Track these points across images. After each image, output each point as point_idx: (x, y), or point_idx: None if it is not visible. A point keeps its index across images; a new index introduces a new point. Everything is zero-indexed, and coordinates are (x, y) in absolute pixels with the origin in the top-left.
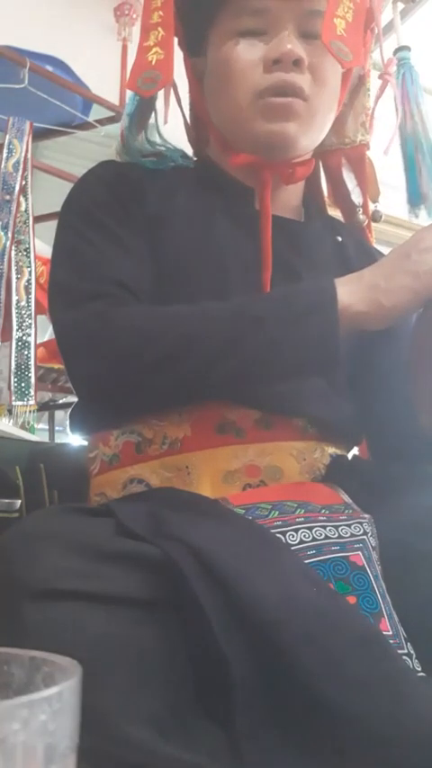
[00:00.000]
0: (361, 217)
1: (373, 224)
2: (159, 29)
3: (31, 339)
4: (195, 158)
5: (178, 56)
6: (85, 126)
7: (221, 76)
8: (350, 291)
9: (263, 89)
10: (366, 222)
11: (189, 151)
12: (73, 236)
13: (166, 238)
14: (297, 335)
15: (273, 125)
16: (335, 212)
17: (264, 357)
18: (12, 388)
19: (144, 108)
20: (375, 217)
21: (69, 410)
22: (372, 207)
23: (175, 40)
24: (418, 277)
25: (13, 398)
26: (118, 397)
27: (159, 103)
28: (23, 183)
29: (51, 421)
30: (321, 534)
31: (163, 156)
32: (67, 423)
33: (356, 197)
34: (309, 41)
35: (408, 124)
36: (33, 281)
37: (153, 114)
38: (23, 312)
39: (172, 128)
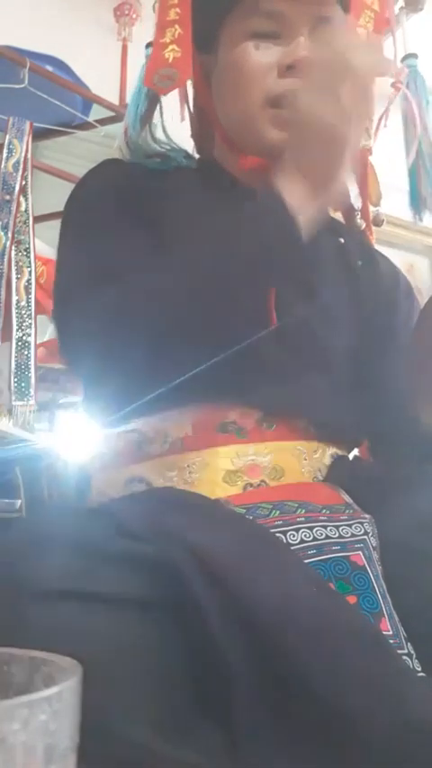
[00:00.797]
0: (360, 220)
1: (374, 227)
2: (176, 26)
3: (31, 339)
4: (198, 155)
5: None
6: (85, 126)
7: (233, 78)
8: (289, 193)
9: (275, 95)
10: (366, 225)
11: (191, 147)
12: (76, 234)
13: (169, 236)
14: (251, 230)
15: (283, 135)
16: (335, 214)
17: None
18: (12, 388)
19: (149, 105)
20: (377, 221)
21: (73, 407)
22: (373, 211)
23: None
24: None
25: (13, 398)
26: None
27: (163, 100)
28: (23, 183)
29: (51, 421)
30: (322, 534)
31: (166, 158)
32: (70, 420)
33: (357, 200)
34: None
35: (411, 131)
36: (33, 281)
37: (158, 111)
38: (23, 312)
39: (173, 124)
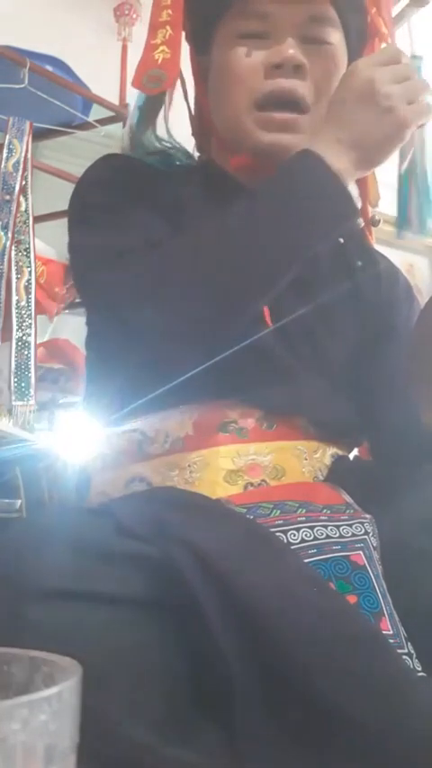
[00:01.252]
0: (359, 220)
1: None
2: (167, 27)
3: (31, 339)
4: (198, 154)
5: (185, 50)
6: (85, 126)
7: (223, 79)
8: (336, 160)
9: (263, 95)
10: (365, 225)
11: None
12: (92, 210)
13: (176, 221)
14: (310, 212)
15: (271, 137)
16: None
17: (283, 233)
18: (12, 388)
19: (152, 104)
20: (373, 221)
21: (74, 406)
22: (370, 211)
23: (183, 34)
24: (396, 115)
25: (13, 398)
26: (190, 332)
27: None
28: (23, 183)
29: (51, 421)
30: (323, 533)
31: (167, 156)
32: (71, 419)
33: (357, 201)
34: (311, 48)
35: (407, 146)
36: (33, 281)
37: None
38: (23, 312)
39: (179, 122)
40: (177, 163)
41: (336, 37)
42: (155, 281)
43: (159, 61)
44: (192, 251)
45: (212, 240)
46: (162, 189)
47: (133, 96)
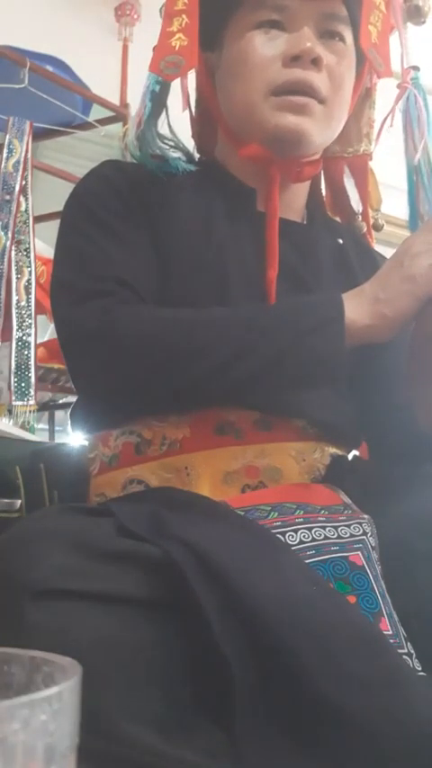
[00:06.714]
0: (360, 224)
1: (374, 231)
2: (183, 16)
3: (31, 339)
4: (198, 155)
5: None
6: (85, 126)
7: (238, 68)
8: (354, 307)
9: (279, 84)
10: (366, 229)
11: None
12: (75, 235)
13: (167, 238)
14: (305, 350)
15: (287, 119)
16: (334, 217)
17: (270, 369)
18: (12, 388)
19: (156, 101)
20: (376, 226)
21: (70, 409)
22: (373, 215)
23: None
24: (415, 281)
25: (13, 398)
26: (117, 397)
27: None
28: (23, 183)
29: (51, 421)
30: (321, 534)
31: (167, 161)
32: (68, 420)
33: (356, 204)
34: (326, 42)
35: (410, 147)
36: (33, 281)
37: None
38: (23, 312)
39: (177, 127)
40: (176, 168)
41: (348, 36)
42: (103, 341)
43: (177, 48)
44: (154, 328)
45: (175, 326)
46: (154, 199)
47: (134, 96)
